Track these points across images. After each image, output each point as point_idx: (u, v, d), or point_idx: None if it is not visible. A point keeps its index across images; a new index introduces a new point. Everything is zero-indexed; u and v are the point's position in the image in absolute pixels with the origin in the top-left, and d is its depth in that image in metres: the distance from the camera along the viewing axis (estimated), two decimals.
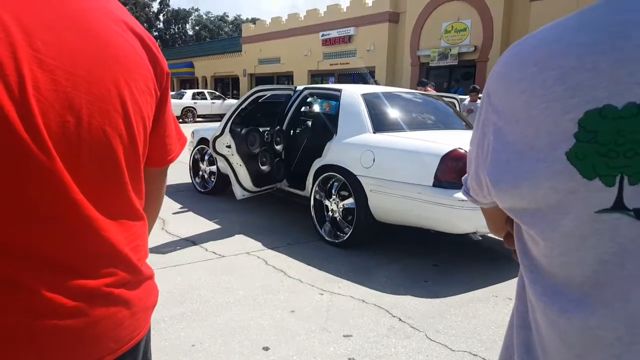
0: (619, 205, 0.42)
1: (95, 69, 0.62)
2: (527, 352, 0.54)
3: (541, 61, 0.46)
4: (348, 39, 21.18)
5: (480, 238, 3.37)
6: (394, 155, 3.48)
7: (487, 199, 0.59)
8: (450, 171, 3.15)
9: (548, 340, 0.50)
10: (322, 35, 22.17)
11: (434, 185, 3.16)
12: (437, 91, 9.11)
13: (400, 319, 2.58)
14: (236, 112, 4.04)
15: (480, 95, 7.98)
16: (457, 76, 17.42)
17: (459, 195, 3.06)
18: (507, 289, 3.04)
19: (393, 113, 4.16)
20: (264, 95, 4.35)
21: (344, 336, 2.38)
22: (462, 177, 0.69)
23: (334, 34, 21.70)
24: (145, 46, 0.71)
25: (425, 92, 5.75)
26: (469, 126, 4.58)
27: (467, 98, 8.96)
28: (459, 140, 3.47)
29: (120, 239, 0.67)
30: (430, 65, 17.67)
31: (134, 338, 0.72)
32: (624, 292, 0.43)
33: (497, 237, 0.78)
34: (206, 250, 3.60)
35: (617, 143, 0.41)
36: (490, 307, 2.78)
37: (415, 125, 4.10)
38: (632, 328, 0.43)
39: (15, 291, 0.57)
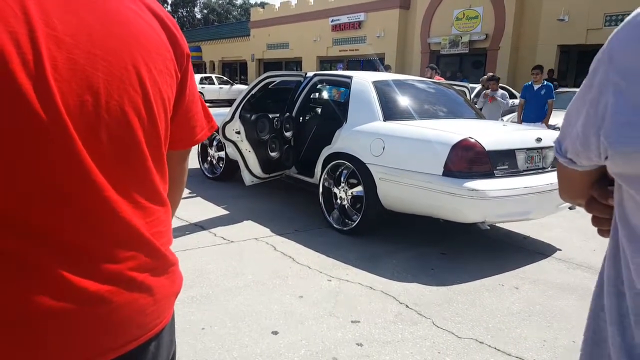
0: None
1: (114, 48, 0.61)
2: (619, 318, 0.54)
3: None
4: (358, 24, 20.95)
5: (489, 227, 3.37)
6: (404, 143, 3.47)
7: (592, 161, 0.58)
8: (461, 160, 3.14)
9: None
10: (332, 20, 21.94)
11: (444, 174, 3.16)
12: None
13: (407, 306, 2.61)
14: (246, 98, 4.04)
15: (500, 84, 7.88)
16: (467, 64, 17.22)
17: (469, 184, 3.06)
18: (514, 277, 3.06)
19: (404, 101, 4.13)
20: (274, 82, 4.34)
21: (352, 322, 2.41)
22: (554, 140, 0.68)
23: (343, 19, 21.47)
24: (165, 26, 0.70)
25: (436, 81, 5.71)
26: (479, 115, 4.55)
27: (477, 87, 8.87)
28: (470, 129, 3.45)
29: (142, 223, 0.67)
30: (440, 52, 17.48)
31: (158, 325, 0.72)
32: None
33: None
34: (215, 235, 3.64)
35: None
36: (497, 295, 2.79)
37: (426, 113, 4.08)
38: None
39: (33, 274, 0.56)
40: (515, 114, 9.12)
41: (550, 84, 6.99)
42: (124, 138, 0.63)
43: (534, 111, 6.82)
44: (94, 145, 0.59)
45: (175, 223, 3.86)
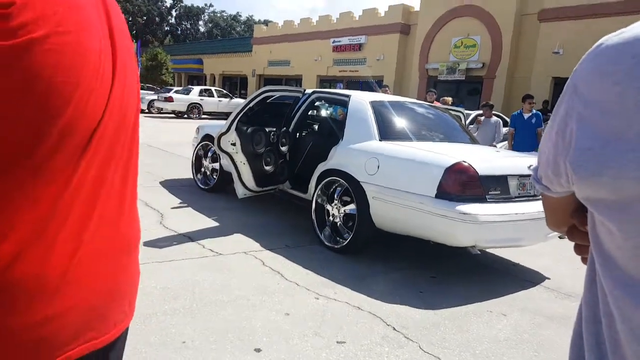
0: None
1: (129, 61, 0.64)
2: (596, 345, 0.54)
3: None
4: (358, 47, 21.26)
5: (479, 252, 3.36)
6: (398, 164, 3.47)
7: (564, 187, 0.61)
8: (454, 183, 3.14)
9: (619, 334, 0.50)
10: (333, 41, 22.26)
11: (437, 196, 3.15)
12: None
13: (394, 328, 2.56)
14: (244, 111, 4.04)
15: (493, 112, 7.95)
16: (463, 91, 17.45)
17: (461, 208, 3.05)
18: (502, 304, 3.03)
19: (400, 122, 4.16)
20: (273, 96, 4.36)
21: (338, 342, 2.36)
22: (531, 167, 0.71)
23: (344, 40, 21.79)
24: None
25: (432, 104, 5.76)
26: (473, 140, 4.58)
27: (472, 114, 8.95)
28: (464, 153, 3.47)
29: None
30: (438, 78, 17.71)
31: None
32: None
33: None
34: (203, 247, 3.59)
35: None
36: (485, 322, 2.76)
37: (422, 135, 4.10)
38: None
39: None
40: (506, 142, 9.22)
41: (539, 112, 7.07)
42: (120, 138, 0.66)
43: (525, 140, 6.85)
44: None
45: (163, 233, 3.81)
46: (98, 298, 0.63)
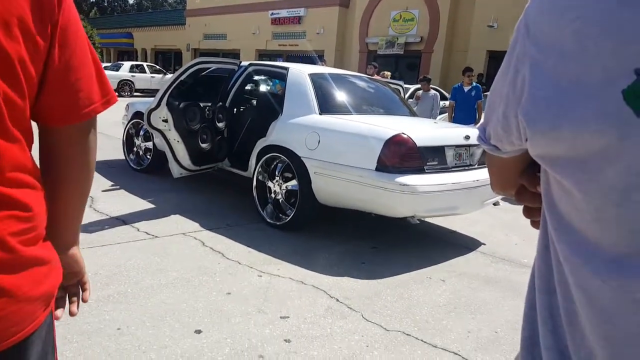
0: None
1: None
2: (550, 317, 0.50)
3: None
4: (298, 20, 20.89)
5: (418, 222, 3.44)
6: (339, 137, 3.44)
7: (514, 145, 0.54)
8: (394, 156, 3.17)
9: (575, 305, 0.45)
10: (272, 14, 21.70)
11: (377, 169, 3.17)
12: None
13: (337, 300, 2.58)
14: (174, 84, 3.80)
15: (431, 85, 8.09)
16: (402, 65, 17.74)
17: (400, 179, 3.09)
18: (441, 270, 3.14)
19: (340, 95, 4.11)
20: (207, 69, 4.14)
21: (281, 317, 2.33)
22: (478, 126, 0.64)
23: (283, 13, 21.31)
24: None
25: (373, 77, 5.77)
26: (412, 113, 4.65)
27: (412, 88, 9.12)
28: (403, 125, 3.50)
29: None
30: (377, 52, 17.86)
31: (14, 335, 0.60)
32: None
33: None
34: (138, 230, 3.40)
35: None
36: (424, 288, 2.84)
37: (361, 109, 4.09)
38: None
39: None
40: (446, 115, 9.50)
41: (479, 85, 7.27)
42: None
43: (464, 112, 7.05)
44: None
45: (94, 217, 3.57)
46: None
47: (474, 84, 7.10)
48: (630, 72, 0.37)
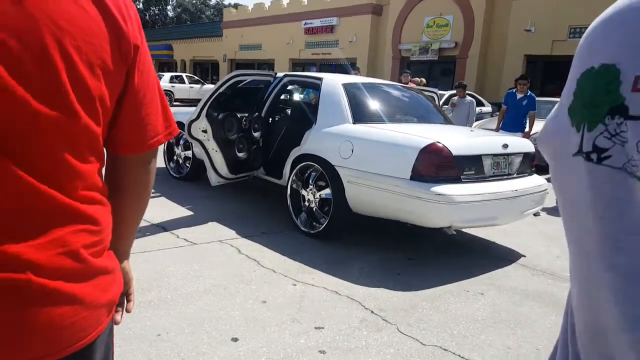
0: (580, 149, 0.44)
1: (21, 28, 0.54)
2: (572, 333, 0.51)
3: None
4: (330, 29, 21.01)
5: (455, 233, 3.38)
6: (372, 146, 3.44)
7: None
8: (429, 165, 3.13)
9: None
10: (305, 23, 21.92)
11: (412, 178, 3.14)
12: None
13: (372, 312, 2.56)
14: (214, 96, 3.92)
15: (467, 91, 7.83)
16: (436, 71, 17.51)
17: (436, 189, 3.05)
18: (479, 283, 3.06)
19: (373, 104, 4.11)
20: (244, 80, 4.24)
21: (316, 328, 2.34)
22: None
23: (316, 22, 21.49)
24: (107, 14, 0.64)
25: (406, 85, 5.73)
26: (447, 121, 4.59)
27: (446, 94, 8.97)
28: (438, 134, 3.46)
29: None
30: (410, 59, 17.71)
31: (80, 341, 0.64)
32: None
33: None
34: (177, 237, 3.50)
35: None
36: (462, 301, 2.78)
37: (395, 117, 4.07)
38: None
39: None
40: (483, 121, 9.26)
41: (533, 95, 6.76)
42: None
43: (512, 119, 6.62)
44: None
45: None
46: None
47: (529, 92, 6.66)
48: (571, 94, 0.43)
